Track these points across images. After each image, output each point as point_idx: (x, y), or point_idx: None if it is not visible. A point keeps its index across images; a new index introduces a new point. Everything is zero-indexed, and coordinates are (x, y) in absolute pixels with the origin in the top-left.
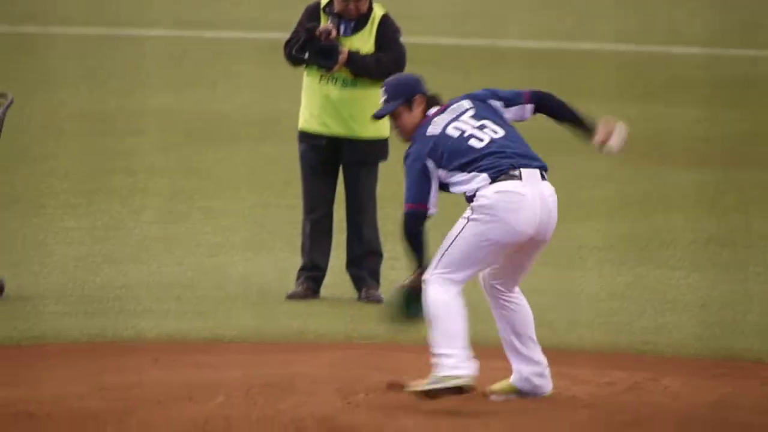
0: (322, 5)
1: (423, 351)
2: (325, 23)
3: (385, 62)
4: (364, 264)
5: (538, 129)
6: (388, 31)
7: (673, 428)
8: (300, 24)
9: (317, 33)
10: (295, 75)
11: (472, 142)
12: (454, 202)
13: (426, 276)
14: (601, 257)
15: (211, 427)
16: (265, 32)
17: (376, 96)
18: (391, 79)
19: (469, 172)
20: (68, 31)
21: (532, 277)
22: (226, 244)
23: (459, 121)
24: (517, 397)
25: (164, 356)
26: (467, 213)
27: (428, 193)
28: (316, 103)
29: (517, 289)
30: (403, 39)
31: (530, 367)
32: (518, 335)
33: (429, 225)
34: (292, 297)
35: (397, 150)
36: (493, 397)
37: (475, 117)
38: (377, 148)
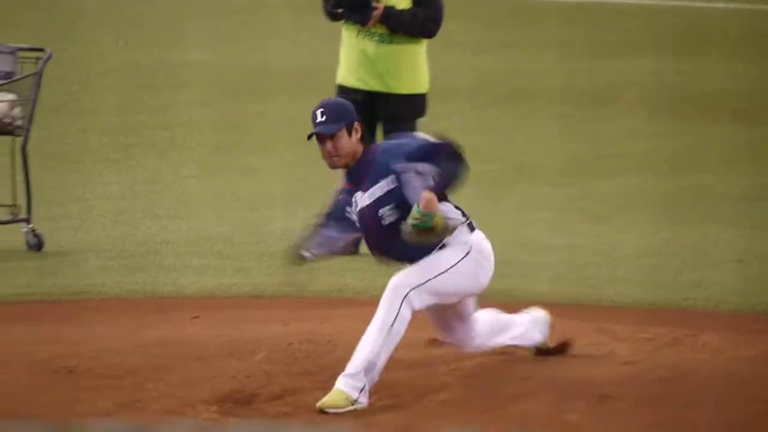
0: None
1: None
2: None
3: (422, 18)
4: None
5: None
6: None
7: (713, 383)
8: None
9: None
10: (334, 29)
11: None
12: None
13: (405, 290)
14: (640, 213)
15: (252, 383)
16: None
17: (412, 52)
18: (331, 102)
19: (456, 207)
20: None
21: (570, 233)
22: (266, 199)
23: None
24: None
25: (204, 312)
26: (466, 248)
27: None
28: (353, 58)
29: (471, 323)
30: None
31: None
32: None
33: None
34: None
35: (432, 105)
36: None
37: None
38: (414, 104)
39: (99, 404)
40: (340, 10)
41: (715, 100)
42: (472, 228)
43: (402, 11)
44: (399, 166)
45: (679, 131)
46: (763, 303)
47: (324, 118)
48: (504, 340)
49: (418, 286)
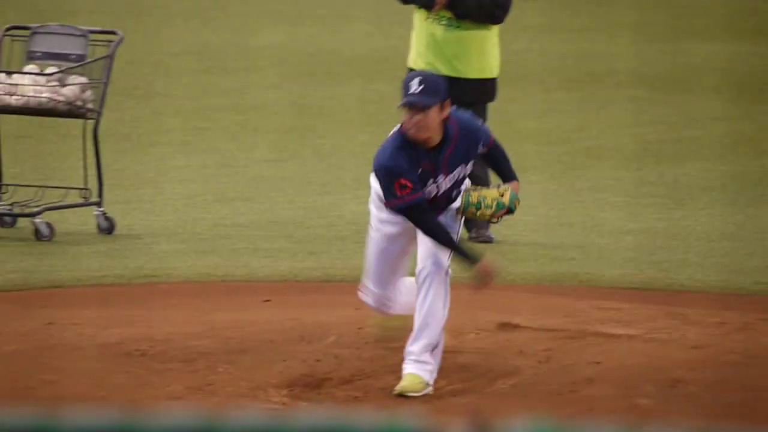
0: None
1: (534, 290)
2: None
3: (487, 5)
4: None
5: (650, 68)
6: None
7: None
8: None
9: None
10: (408, 12)
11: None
12: None
13: (446, 268)
14: (712, 197)
15: (322, 367)
16: None
17: (481, 36)
18: (430, 75)
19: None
20: None
21: (642, 217)
22: (338, 183)
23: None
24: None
25: (275, 295)
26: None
27: None
28: (422, 42)
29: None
30: None
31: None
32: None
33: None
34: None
35: (503, 89)
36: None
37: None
38: (483, 89)
39: (170, 387)
40: None
41: None
42: None
43: None
44: (482, 149)
45: (754, 114)
46: None
47: (420, 88)
48: (410, 300)
49: (449, 260)
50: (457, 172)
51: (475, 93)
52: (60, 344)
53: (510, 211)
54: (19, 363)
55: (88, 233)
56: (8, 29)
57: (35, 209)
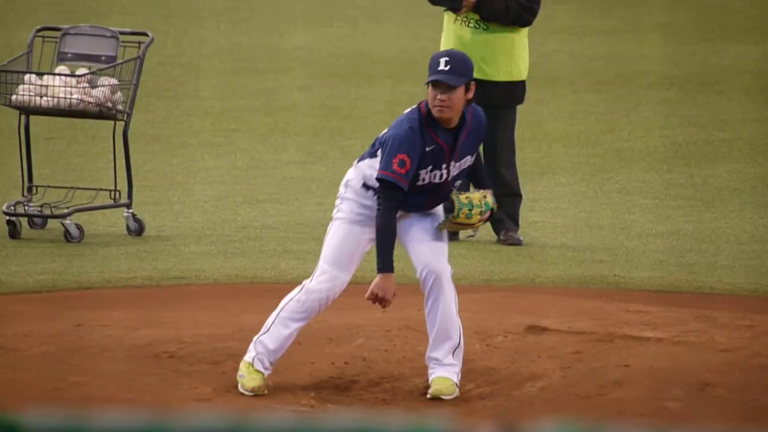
0: None
1: (562, 293)
2: None
3: (515, 7)
4: (503, 206)
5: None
6: None
7: None
8: None
9: None
10: (437, 14)
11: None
12: None
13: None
14: (742, 199)
15: (351, 369)
16: None
17: (510, 39)
18: (459, 54)
19: None
20: None
21: (672, 220)
22: None
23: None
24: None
25: None
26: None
27: None
28: (450, 44)
29: None
30: None
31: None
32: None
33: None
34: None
35: (533, 91)
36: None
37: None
38: (511, 91)
39: (198, 389)
40: None
41: None
42: None
43: (495, 0)
44: (476, 147)
45: None
46: None
47: (449, 67)
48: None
49: (446, 259)
50: (464, 162)
51: (503, 96)
52: (89, 346)
53: (491, 214)
54: (48, 364)
55: (118, 235)
56: (39, 30)
57: (65, 211)
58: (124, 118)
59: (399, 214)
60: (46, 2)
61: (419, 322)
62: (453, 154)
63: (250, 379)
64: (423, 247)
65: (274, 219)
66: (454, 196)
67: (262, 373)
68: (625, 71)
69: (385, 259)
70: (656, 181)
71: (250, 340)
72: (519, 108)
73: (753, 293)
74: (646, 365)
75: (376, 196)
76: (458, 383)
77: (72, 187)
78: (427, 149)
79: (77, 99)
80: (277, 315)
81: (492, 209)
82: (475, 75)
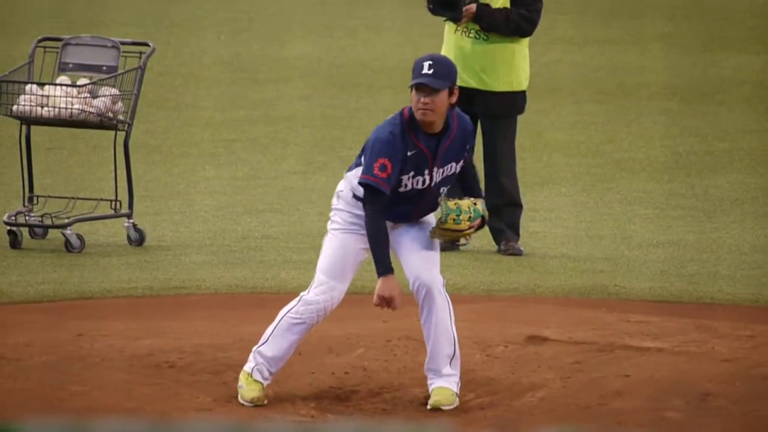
0: None
1: (563, 303)
2: None
3: (515, 18)
4: (504, 216)
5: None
6: None
7: None
8: None
9: None
10: (439, 24)
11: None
12: None
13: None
14: (743, 209)
15: (351, 379)
16: None
17: (510, 50)
18: (441, 58)
19: None
20: None
21: (673, 230)
22: None
23: None
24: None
25: None
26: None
27: None
28: (451, 54)
29: None
30: None
31: None
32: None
33: None
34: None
35: (534, 101)
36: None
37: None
38: (511, 102)
39: (199, 399)
40: (430, 6)
41: None
42: None
43: (495, 10)
44: (466, 155)
45: None
46: None
47: (432, 71)
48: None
49: (438, 269)
50: (448, 168)
51: (503, 106)
52: (89, 355)
53: (483, 222)
54: (49, 374)
55: (118, 245)
56: (40, 40)
57: (66, 221)
58: (125, 128)
59: (389, 225)
60: (47, 13)
61: (419, 331)
62: (435, 161)
63: (249, 389)
64: (414, 259)
65: (274, 229)
66: (442, 202)
67: (261, 384)
68: (626, 81)
69: (382, 263)
70: (657, 191)
71: (251, 350)
72: (520, 118)
73: (754, 303)
74: (646, 375)
75: (362, 203)
76: (458, 393)
77: (73, 197)
78: (409, 153)
79: (78, 109)
80: (276, 326)
81: (483, 216)
82: (475, 85)
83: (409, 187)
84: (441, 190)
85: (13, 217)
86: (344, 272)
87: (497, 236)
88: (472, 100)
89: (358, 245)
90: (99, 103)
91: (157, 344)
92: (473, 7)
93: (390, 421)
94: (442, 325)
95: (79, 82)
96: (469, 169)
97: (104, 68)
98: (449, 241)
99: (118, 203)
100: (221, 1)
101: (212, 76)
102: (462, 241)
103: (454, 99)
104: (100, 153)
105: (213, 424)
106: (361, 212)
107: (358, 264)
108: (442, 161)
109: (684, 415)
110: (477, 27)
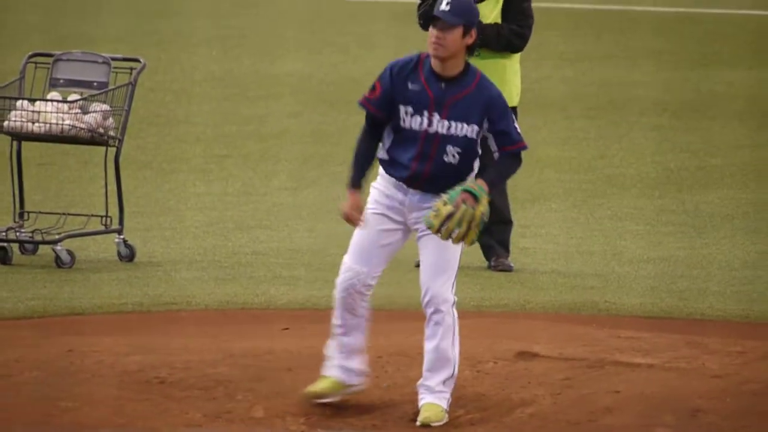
0: None
1: (553, 319)
2: None
3: (506, 33)
4: (494, 232)
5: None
6: (516, 1)
7: None
8: None
9: None
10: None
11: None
12: None
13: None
14: (734, 225)
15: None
16: None
17: (501, 65)
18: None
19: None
20: None
21: (663, 246)
22: None
23: None
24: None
25: (294, 323)
26: None
27: None
28: None
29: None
30: (536, 3)
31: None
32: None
33: None
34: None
35: (525, 117)
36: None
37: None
38: None
39: (189, 415)
40: (421, 22)
41: None
42: None
43: (486, 26)
44: (486, 126)
45: None
46: None
47: (449, 8)
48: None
49: (452, 283)
50: (457, 127)
51: None
52: (79, 371)
53: (473, 197)
54: (39, 390)
55: (109, 260)
56: (31, 56)
57: (56, 236)
58: (116, 144)
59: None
60: (37, 28)
61: (410, 347)
62: (440, 107)
63: (317, 383)
64: (430, 269)
65: (264, 245)
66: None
67: (329, 377)
68: (617, 97)
69: (351, 177)
70: (648, 207)
71: (240, 366)
72: None
73: (744, 319)
74: (637, 391)
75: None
76: (447, 410)
77: (63, 213)
78: (410, 86)
79: (69, 125)
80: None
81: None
82: None
83: (408, 124)
84: (453, 155)
85: (4, 233)
86: (369, 255)
87: (487, 252)
88: None
89: (380, 226)
90: (90, 118)
91: (148, 360)
92: None
93: None
94: (446, 347)
95: (70, 98)
96: (503, 162)
97: (95, 84)
98: (462, 238)
99: (108, 219)
100: (213, 17)
101: (203, 92)
102: (473, 237)
103: (470, 41)
104: (91, 169)
105: None
106: (389, 192)
107: (389, 249)
108: (450, 113)
109: (674, 431)
110: None
